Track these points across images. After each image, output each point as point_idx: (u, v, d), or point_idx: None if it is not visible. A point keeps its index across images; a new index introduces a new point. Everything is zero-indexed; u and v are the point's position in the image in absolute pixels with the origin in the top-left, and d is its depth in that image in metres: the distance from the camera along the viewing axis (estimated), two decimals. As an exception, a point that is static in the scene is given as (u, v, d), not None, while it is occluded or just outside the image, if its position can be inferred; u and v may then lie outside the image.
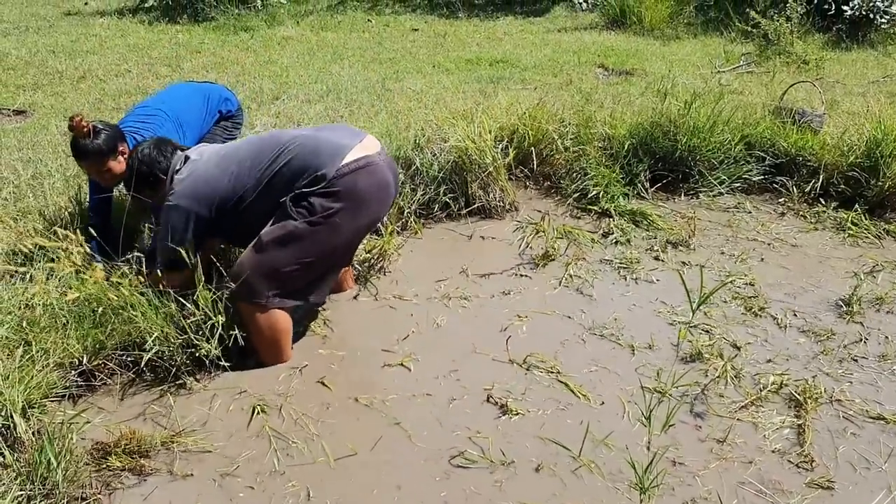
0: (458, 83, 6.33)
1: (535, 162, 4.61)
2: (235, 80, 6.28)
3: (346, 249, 3.08)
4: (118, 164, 3.28)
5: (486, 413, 2.80)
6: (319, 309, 3.35)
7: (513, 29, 8.72)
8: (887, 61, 7.48)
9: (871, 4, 8.00)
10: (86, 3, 9.15)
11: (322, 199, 2.82)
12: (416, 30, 8.57)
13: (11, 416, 2.44)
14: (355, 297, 3.53)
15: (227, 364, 2.97)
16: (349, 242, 3.03)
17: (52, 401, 2.68)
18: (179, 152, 3.06)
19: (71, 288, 2.86)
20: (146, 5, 8.81)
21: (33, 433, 2.47)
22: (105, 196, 3.60)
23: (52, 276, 2.98)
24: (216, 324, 2.88)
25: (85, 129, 3.15)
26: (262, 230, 2.90)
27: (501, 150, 4.44)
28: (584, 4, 9.64)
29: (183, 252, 2.84)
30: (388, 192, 3.01)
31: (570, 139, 4.67)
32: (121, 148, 3.28)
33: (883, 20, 8.03)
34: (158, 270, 2.93)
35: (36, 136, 4.92)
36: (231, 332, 2.92)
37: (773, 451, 2.63)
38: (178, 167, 3.00)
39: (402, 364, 3.05)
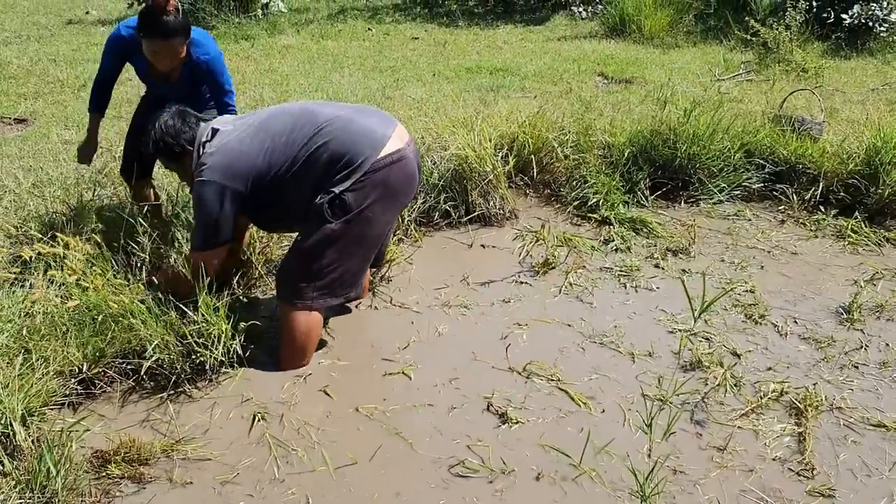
0: (458, 91, 6.34)
1: (535, 170, 4.62)
2: (236, 89, 6.27)
3: (379, 239, 3.09)
4: (184, 49, 3.26)
5: (486, 421, 2.79)
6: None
7: (512, 37, 8.74)
8: (886, 69, 7.49)
9: (870, 13, 8.02)
10: (87, 12, 9.18)
11: (355, 195, 2.83)
12: (416, 38, 8.59)
13: (11, 425, 2.44)
14: (357, 306, 3.52)
15: (228, 371, 2.97)
16: (381, 233, 3.07)
17: (52, 409, 2.68)
18: (203, 123, 3.01)
19: (72, 295, 2.87)
20: (147, 14, 8.84)
21: (32, 441, 2.47)
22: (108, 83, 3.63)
23: (52, 283, 2.98)
24: (218, 331, 2.88)
25: (172, 6, 3.14)
26: (292, 214, 2.94)
27: (501, 158, 4.45)
28: (584, 13, 9.66)
29: (223, 231, 2.85)
30: (414, 183, 3.09)
31: (570, 147, 4.68)
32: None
33: (882, 28, 8.05)
34: (200, 253, 2.91)
35: (37, 145, 4.93)
36: (232, 340, 2.92)
37: (773, 459, 2.63)
38: (205, 138, 2.93)
39: (402, 373, 3.05)
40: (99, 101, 3.63)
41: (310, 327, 3.00)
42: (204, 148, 2.90)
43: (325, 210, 2.83)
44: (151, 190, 3.83)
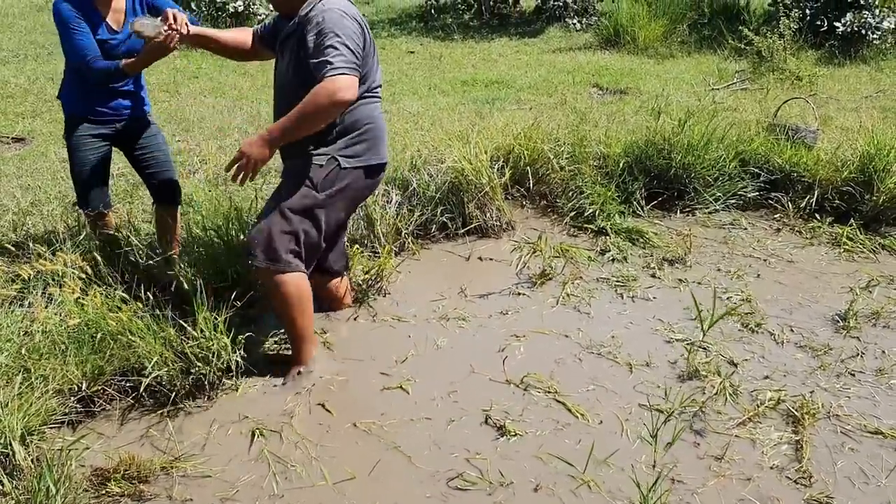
0: (453, 104, 6.38)
1: (531, 181, 4.64)
2: (233, 105, 6.33)
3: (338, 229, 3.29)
4: None
5: (485, 434, 2.80)
6: (319, 330, 3.36)
7: (507, 50, 8.79)
8: (880, 76, 7.54)
9: (863, 21, 8.08)
10: (84, 30, 9.24)
11: (346, 179, 3.01)
12: (412, 52, 8.63)
13: (10, 444, 2.44)
14: (354, 319, 3.54)
15: (227, 386, 2.98)
16: (341, 223, 3.28)
17: (51, 427, 2.69)
18: None
19: (71, 313, 2.88)
20: (144, 31, 8.89)
21: (32, 460, 2.47)
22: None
23: (51, 301, 3.00)
24: (217, 346, 2.89)
25: None
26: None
27: (497, 169, 4.47)
28: (578, 25, 9.72)
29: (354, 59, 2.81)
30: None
31: (566, 158, 4.70)
32: None
33: (874, 36, 8.11)
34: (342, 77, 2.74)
35: (35, 163, 4.95)
36: (232, 354, 2.93)
37: (771, 468, 2.63)
38: None
39: (400, 387, 3.06)
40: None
41: (300, 288, 3.05)
42: None
43: (315, 169, 2.97)
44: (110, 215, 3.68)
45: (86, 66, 3.23)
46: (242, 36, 3.25)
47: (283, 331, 3.31)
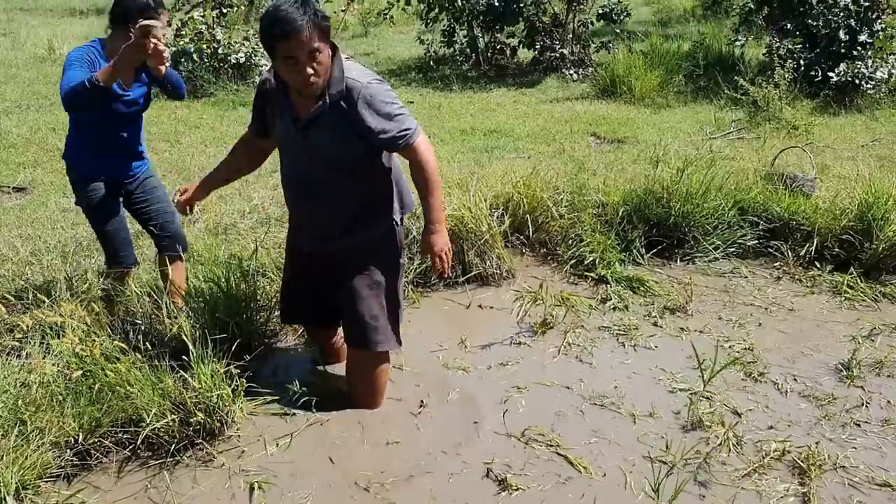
0: (453, 153, 6.42)
1: (530, 229, 4.65)
2: (234, 154, 6.36)
3: None
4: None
5: (486, 489, 2.75)
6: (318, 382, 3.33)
7: (506, 100, 8.89)
8: (874, 125, 7.61)
9: (856, 71, 8.19)
10: (87, 81, 9.34)
11: (401, 233, 3.12)
12: (411, 102, 8.72)
13: (4, 498, 2.40)
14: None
15: (228, 436, 2.94)
16: None
17: (47, 481, 2.65)
18: None
19: (69, 364, 2.85)
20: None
21: (27, 516, 2.43)
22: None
23: (48, 352, 2.97)
24: (217, 397, 2.86)
25: None
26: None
27: (497, 218, 4.49)
28: (575, 75, 9.85)
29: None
30: None
31: (565, 206, 4.72)
32: None
33: (868, 86, 8.21)
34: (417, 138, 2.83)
35: (35, 213, 4.97)
36: (233, 404, 2.90)
37: (779, 521, 2.59)
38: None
39: (398, 442, 3.01)
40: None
41: (387, 369, 3.24)
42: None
43: (398, 238, 3.07)
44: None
45: (62, 92, 3.00)
46: (243, 153, 3.15)
47: (280, 380, 3.28)
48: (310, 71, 2.57)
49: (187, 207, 3.24)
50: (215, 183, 3.28)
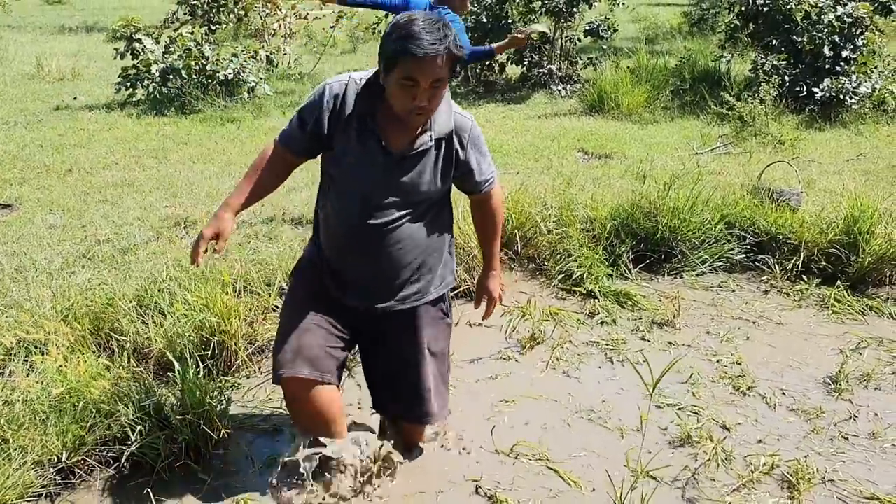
0: (441, 169, 6.42)
1: (518, 244, 4.65)
2: (222, 170, 6.35)
3: None
4: None
5: None
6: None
7: (494, 116, 8.91)
8: (859, 140, 7.67)
9: (841, 86, 8.26)
10: (75, 98, 9.30)
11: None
12: (399, 118, 8.73)
13: (-15, 519, 2.37)
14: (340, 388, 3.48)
15: (213, 455, 2.91)
16: None
17: (28, 500, 2.60)
18: None
19: (53, 382, 2.82)
20: (134, 99, 8.98)
21: (8, 536, 2.40)
22: None
23: (32, 370, 2.94)
24: (203, 414, 2.83)
25: None
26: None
27: (485, 234, 4.47)
28: (563, 91, 9.90)
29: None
30: None
31: (553, 222, 4.72)
32: None
33: (853, 101, 8.29)
34: None
35: (21, 230, 4.93)
36: (219, 423, 2.87)
37: (768, 536, 2.58)
38: None
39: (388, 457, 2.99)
40: None
41: None
42: None
43: (447, 299, 2.82)
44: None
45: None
46: (272, 174, 2.57)
47: (267, 396, 3.26)
48: (425, 102, 2.26)
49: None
50: (241, 205, 2.55)
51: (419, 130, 2.39)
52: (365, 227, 2.45)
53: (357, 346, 2.81)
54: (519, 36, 4.89)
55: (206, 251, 2.44)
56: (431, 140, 2.41)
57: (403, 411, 2.84)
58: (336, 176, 2.50)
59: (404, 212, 2.47)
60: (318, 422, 2.57)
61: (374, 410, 2.98)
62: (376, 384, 2.83)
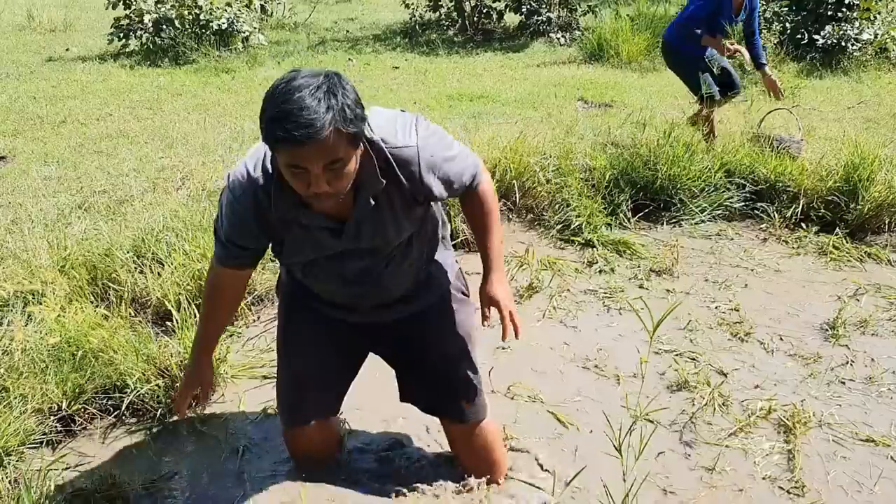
0: (439, 119, 6.36)
1: (517, 194, 4.62)
2: (217, 121, 6.29)
3: None
4: None
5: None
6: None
7: (492, 65, 8.81)
8: (860, 88, 7.60)
9: (842, 33, 8.15)
10: (67, 49, 9.17)
11: None
12: (396, 68, 8.63)
13: (-12, 465, 2.39)
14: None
15: (212, 402, 2.93)
16: None
17: (30, 448, 2.63)
18: None
19: (51, 331, 2.83)
20: (128, 50, 8.85)
21: (10, 482, 2.42)
22: None
23: (30, 319, 2.94)
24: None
25: None
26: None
27: (483, 183, 4.44)
28: (562, 39, 9.76)
29: None
30: None
31: (552, 171, 4.68)
32: None
33: (854, 48, 8.18)
34: None
35: (16, 182, 4.89)
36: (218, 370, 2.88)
37: (763, 478, 2.61)
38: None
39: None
40: None
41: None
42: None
43: (460, 274, 2.52)
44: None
45: None
46: (230, 297, 2.28)
47: (266, 344, 3.27)
48: (325, 187, 1.80)
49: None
50: (215, 344, 2.42)
51: (354, 193, 1.96)
52: (347, 280, 2.19)
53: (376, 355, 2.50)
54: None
55: (190, 406, 2.33)
56: (371, 201, 1.99)
57: (449, 412, 2.46)
58: (297, 267, 2.23)
59: (384, 258, 2.17)
60: (312, 458, 2.58)
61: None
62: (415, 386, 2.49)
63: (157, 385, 2.82)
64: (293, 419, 2.45)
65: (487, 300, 2.29)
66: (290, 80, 1.72)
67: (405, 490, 2.47)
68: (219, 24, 8.77)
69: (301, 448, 2.55)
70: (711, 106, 5.24)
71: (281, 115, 1.69)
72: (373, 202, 1.99)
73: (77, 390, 2.79)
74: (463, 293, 2.49)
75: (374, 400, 2.80)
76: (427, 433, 2.79)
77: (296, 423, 2.45)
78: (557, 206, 4.57)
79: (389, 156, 1.97)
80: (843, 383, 3.13)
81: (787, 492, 2.55)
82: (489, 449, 2.50)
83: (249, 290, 3.59)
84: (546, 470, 2.62)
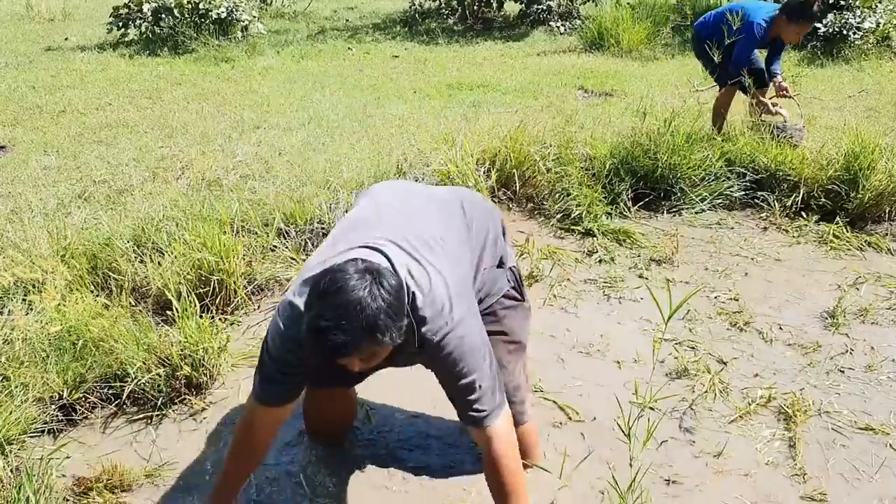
0: (439, 108, 6.35)
1: (517, 184, 4.61)
2: (216, 111, 6.28)
3: None
4: None
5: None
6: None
7: (493, 54, 8.78)
8: (861, 76, 7.58)
9: (844, 21, 8.12)
10: (66, 39, 9.15)
11: None
12: (396, 57, 8.61)
13: (-11, 453, 2.39)
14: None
15: (213, 392, 2.93)
16: None
17: (31, 436, 2.63)
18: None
19: (52, 320, 2.83)
20: (127, 39, 8.83)
21: (11, 470, 2.42)
22: None
23: (31, 308, 2.94)
24: (203, 350, 2.85)
25: None
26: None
27: (484, 172, 4.45)
28: (562, 28, 9.74)
29: None
30: None
31: (552, 160, 4.67)
32: None
33: (856, 36, 8.15)
34: None
35: (15, 171, 4.89)
36: (219, 358, 2.89)
37: (766, 464, 2.62)
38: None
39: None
40: None
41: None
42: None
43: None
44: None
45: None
46: (266, 437, 2.22)
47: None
48: (357, 366, 1.91)
49: None
50: (237, 492, 2.26)
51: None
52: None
53: None
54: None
55: None
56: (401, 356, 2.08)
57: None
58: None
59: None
60: (326, 430, 2.73)
61: None
62: None
63: (157, 374, 2.82)
64: (318, 382, 2.44)
65: None
66: (336, 289, 1.78)
67: (411, 476, 2.49)
68: (218, 13, 8.74)
69: (321, 414, 2.63)
70: (761, 87, 5.38)
71: (320, 329, 1.77)
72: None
73: (78, 379, 2.79)
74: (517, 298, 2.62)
75: (393, 383, 2.80)
76: (445, 421, 2.80)
77: (320, 386, 2.49)
78: (557, 195, 4.57)
79: (417, 336, 1.99)
80: (843, 372, 3.14)
81: (789, 478, 2.56)
82: (534, 443, 2.59)
83: (249, 279, 3.59)
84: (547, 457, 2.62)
